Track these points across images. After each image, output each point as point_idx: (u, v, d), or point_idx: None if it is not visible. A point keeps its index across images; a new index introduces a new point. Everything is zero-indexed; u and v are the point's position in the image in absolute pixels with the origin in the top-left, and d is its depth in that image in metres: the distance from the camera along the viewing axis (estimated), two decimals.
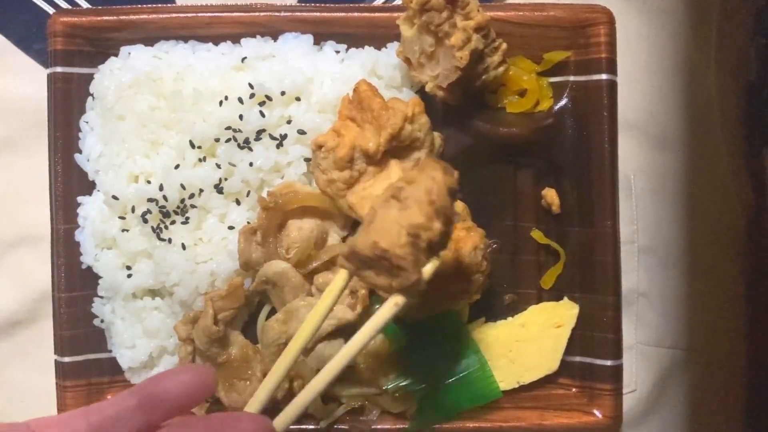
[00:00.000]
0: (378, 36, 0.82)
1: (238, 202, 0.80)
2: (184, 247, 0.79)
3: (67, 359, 0.81)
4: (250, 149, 0.79)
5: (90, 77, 0.83)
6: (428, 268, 0.59)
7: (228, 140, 0.79)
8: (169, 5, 0.84)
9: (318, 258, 0.79)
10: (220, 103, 0.79)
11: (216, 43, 0.83)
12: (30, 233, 0.86)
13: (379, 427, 0.80)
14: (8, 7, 0.88)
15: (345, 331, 0.79)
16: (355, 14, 0.81)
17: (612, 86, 0.80)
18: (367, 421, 0.80)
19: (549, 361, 0.82)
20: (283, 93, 0.79)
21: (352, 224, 0.82)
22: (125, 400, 0.53)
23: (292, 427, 0.80)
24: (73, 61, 0.82)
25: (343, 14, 0.82)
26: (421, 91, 0.81)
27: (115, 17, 0.81)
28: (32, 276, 0.86)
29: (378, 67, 0.82)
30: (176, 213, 0.80)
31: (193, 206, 0.80)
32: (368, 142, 0.75)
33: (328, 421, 0.80)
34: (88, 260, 0.81)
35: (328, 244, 0.81)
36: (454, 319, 0.81)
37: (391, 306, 0.58)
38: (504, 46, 0.79)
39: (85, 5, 0.87)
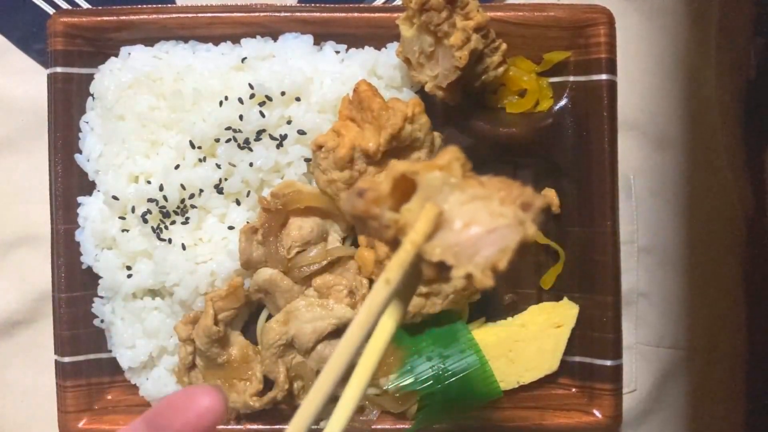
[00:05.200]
0: (378, 36, 0.82)
1: (238, 202, 0.80)
2: (184, 247, 0.79)
3: (67, 359, 0.81)
4: (250, 149, 0.79)
5: (90, 77, 0.83)
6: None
7: (228, 140, 0.79)
8: (169, 5, 0.84)
9: (317, 260, 0.79)
10: (220, 103, 0.79)
11: (216, 44, 0.83)
12: (30, 233, 0.86)
13: (379, 427, 0.80)
14: (8, 7, 0.87)
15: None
16: (355, 14, 0.81)
17: (612, 86, 0.80)
18: (367, 421, 0.80)
19: (549, 361, 0.82)
20: (283, 93, 0.79)
21: (352, 225, 0.82)
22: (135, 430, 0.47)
23: (285, 426, 0.80)
24: (73, 61, 0.82)
25: (343, 14, 0.82)
26: (421, 91, 0.81)
27: (115, 17, 0.81)
28: (32, 276, 0.86)
29: (378, 67, 0.82)
30: (176, 213, 0.80)
31: (193, 206, 0.80)
32: (368, 142, 0.75)
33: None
34: (88, 260, 0.81)
35: (328, 243, 0.81)
36: (454, 319, 0.81)
37: (382, 284, 0.46)
38: (504, 46, 0.79)
39: (85, 5, 0.87)
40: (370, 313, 0.46)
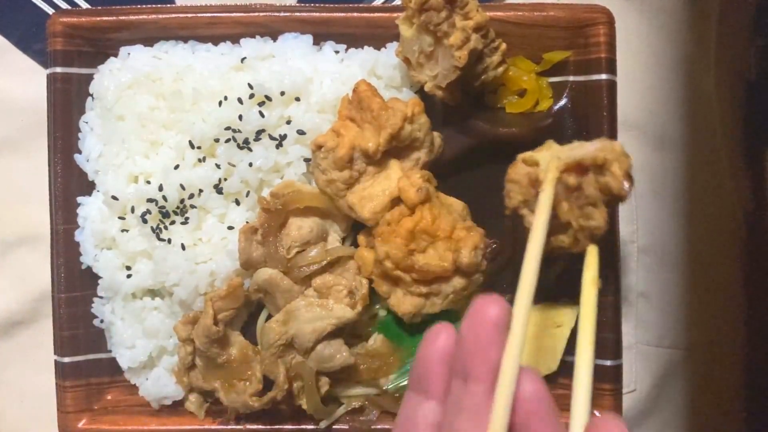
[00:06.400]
0: (377, 36, 0.82)
1: (237, 202, 0.80)
2: (183, 247, 0.79)
3: (67, 359, 0.81)
4: (250, 149, 0.79)
5: (90, 77, 0.83)
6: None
7: (227, 140, 0.79)
8: (169, 5, 0.84)
9: (317, 260, 0.79)
10: (220, 103, 0.79)
11: (216, 44, 0.83)
12: (30, 233, 0.86)
13: (379, 427, 0.80)
14: (8, 7, 0.88)
15: (345, 331, 0.79)
16: (355, 14, 0.81)
17: (612, 86, 0.80)
18: (367, 421, 0.80)
19: (549, 361, 0.82)
20: (282, 93, 0.79)
21: (352, 225, 0.82)
22: None
23: (289, 426, 0.81)
24: (72, 61, 0.82)
25: (342, 14, 0.81)
26: (420, 91, 0.81)
27: (114, 17, 0.81)
28: (32, 276, 0.86)
29: (377, 67, 0.82)
30: (176, 213, 0.80)
31: (192, 206, 0.80)
32: (368, 142, 0.75)
33: (328, 422, 0.80)
34: (88, 260, 0.81)
35: (328, 243, 0.81)
36: (454, 319, 0.81)
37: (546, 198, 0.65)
38: (503, 46, 0.79)
39: (85, 5, 0.88)
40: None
